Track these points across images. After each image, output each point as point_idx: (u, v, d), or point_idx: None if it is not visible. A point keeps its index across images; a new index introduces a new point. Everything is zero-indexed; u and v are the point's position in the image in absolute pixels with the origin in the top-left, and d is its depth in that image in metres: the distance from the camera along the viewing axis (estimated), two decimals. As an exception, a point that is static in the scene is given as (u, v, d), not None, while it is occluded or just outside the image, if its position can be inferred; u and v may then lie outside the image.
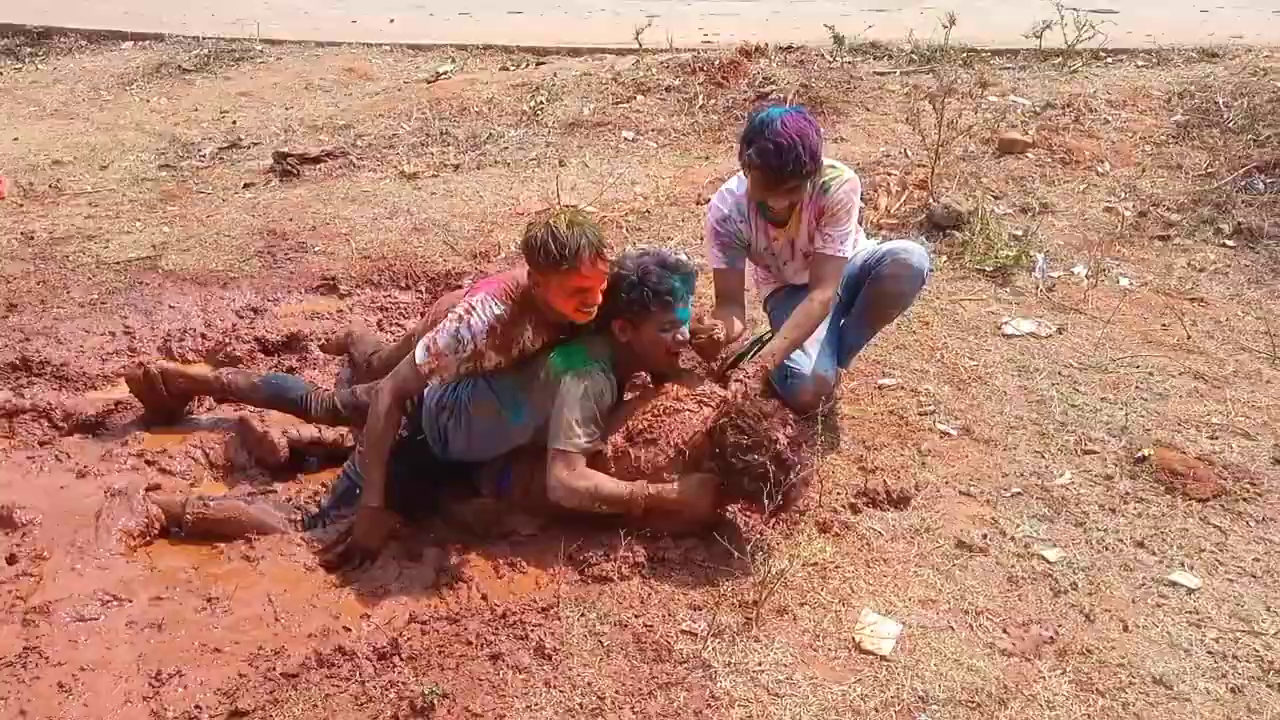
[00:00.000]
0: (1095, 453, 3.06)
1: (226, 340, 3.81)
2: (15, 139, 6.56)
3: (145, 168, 6.05)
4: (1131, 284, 4.27)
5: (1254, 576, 2.50)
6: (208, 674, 2.19)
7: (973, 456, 3.05)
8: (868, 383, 3.51)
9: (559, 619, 2.32)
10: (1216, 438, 3.13)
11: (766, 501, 2.36)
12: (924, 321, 3.96)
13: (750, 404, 2.48)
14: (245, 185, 5.68)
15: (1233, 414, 3.27)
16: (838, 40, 6.61)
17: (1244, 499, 2.81)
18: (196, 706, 2.09)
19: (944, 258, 4.55)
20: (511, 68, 7.51)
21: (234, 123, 6.83)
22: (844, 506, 2.78)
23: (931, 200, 4.89)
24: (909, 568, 2.54)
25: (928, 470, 2.98)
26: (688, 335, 2.74)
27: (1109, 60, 6.47)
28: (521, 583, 2.48)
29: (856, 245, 3.28)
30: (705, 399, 2.69)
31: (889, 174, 5.32)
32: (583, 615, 2.34)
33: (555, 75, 7.05)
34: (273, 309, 4.20)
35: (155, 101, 7.44)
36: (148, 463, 3.08)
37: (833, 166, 3.03)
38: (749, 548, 2.53)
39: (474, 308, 2.59)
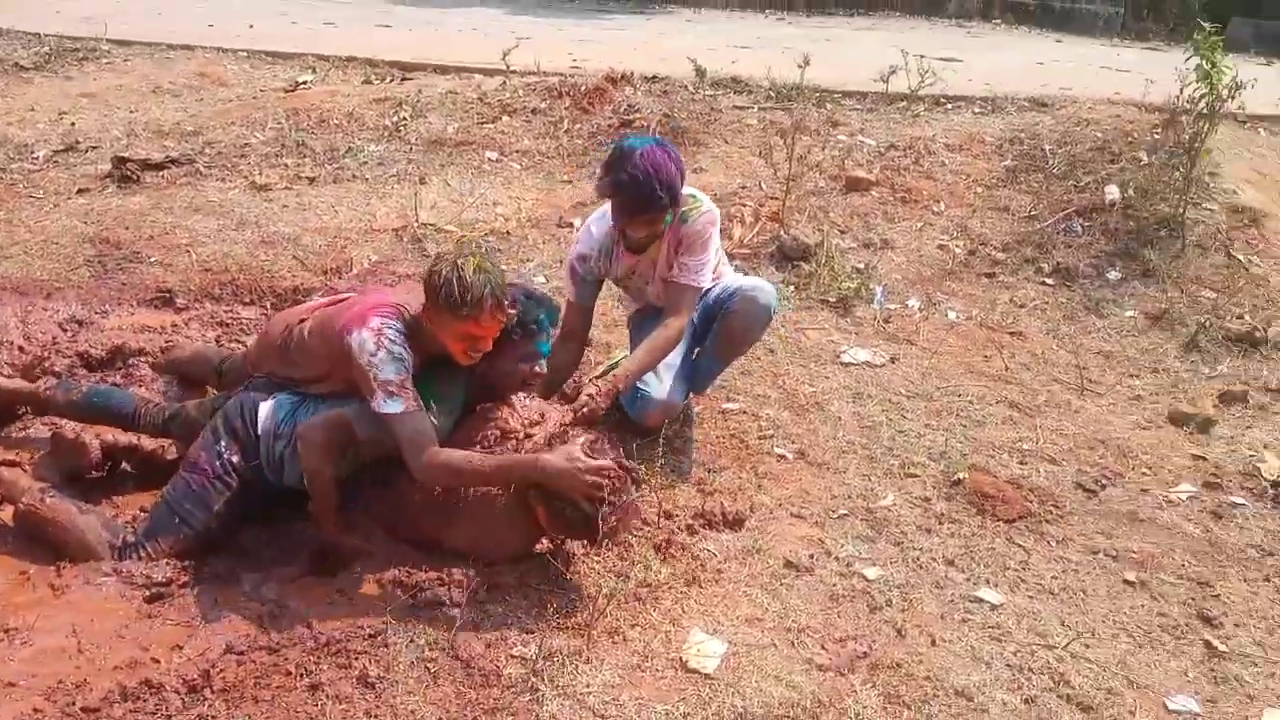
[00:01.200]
0: (917, 476, 3.24)
1: (45, 354, 3.59)
2: None
3: (-33, 168, 5.64)
4: (959, 317, 4.56)
5: (1052, 594, 2.70)
6: (0, 711, 2.04)
7: (806, 479, 3.18)
8: (713, 406, 3.61)
9: (386, 646, 2.28)
10: (1026, 463, 3.36)
11: (589, 534, 2.43)
12: (769, 349, 4.10)
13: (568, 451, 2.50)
14: (79, 191, 5.37)
15: (1042, 441, 3.52)
16: (700, 73, 6.81)
17: (1046, 520, 3.03)
18: (-18, 748, 1.96)
19: (791, 288, 4.73)
20: (375, 81, 7.39)
21: (73, 125, 6.45)
22: (682, 528, 2.85)
23: (782, 232, 5.09)
24: (739, 588, 2.62)
25: (763, 493, 3.08)
26: (544, 369, 2.76)
27: (949, 106, 6.89)
28: (348, 610, 2.42)
29: (721, 276, 3.39)
30: (535, 424, 2.71)
31: (744, 205, 5.50)
32: (411, 641, 2.31)
33: (420, 92, 6.97)
34: (100, 322, 3.98)
35: (-15, 99, 6.95)
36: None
37: (693, 197, 3.13)
38: (583, 571, 2.56)
39: (378, 329, 2.50)
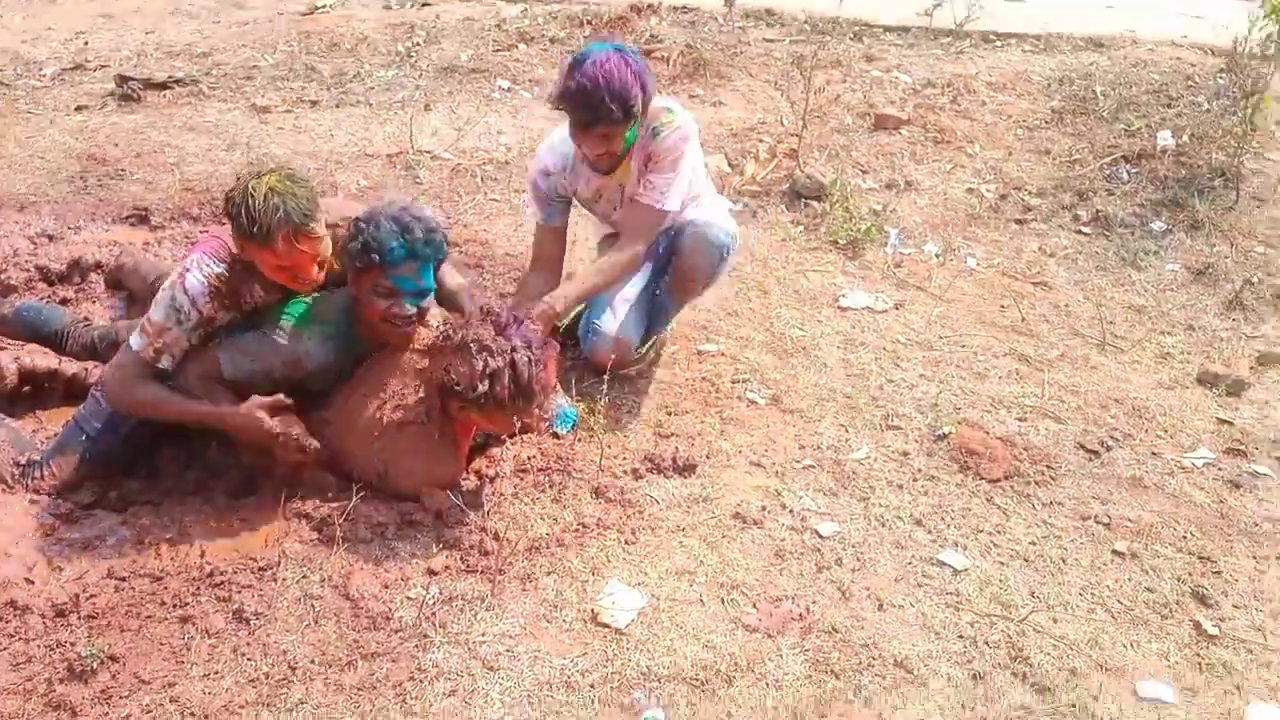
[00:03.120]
0: (899, 429, 2.96)
1: (3, 267, 3.47)
2: None
3: (-27, 83, 5.57)
4: (978, 264, 4.21)
5: (1025, 560, 2.43)
6: None
7: (774, 427, 2.93)
8: (688, 347, 3.36)
9: (275, 580, 2.12)
10: (1025, 419, 3.06)
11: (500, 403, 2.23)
12: (763, 290, 3.84)
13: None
14: (78, 108, 5.26)
15: (1047, 397, 3.21)
16: (728, 2, 6.42)
17: (1036, 481, 2.74)
18: None
19: (801, 228, 4.43)
20: (394, 6, 7.14)
21: (85, 44, 6.35)
22: (626, 472, 2.63)
23: (797, 170, 4.78)
24: (675, 537, 2.40)
25: (724, 438, 2.84)
26: (409, 312, 2.37)
27: (998, 43, 6.41)
28: (249, 541, 2.26)
29: (704, 208, 3.10)
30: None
31: (761, 141, 5.18)
32: (304, 577, 2.14)
33: (438, 18, 6.73)
34: (70, 237, 3.85)
35: (8, 18, 6.89)
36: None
37: (669, 110, 2.82)
38: (510, 512, 2.37)
39: (189, 269, 2.32)
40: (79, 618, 1.97)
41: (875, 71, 5.99)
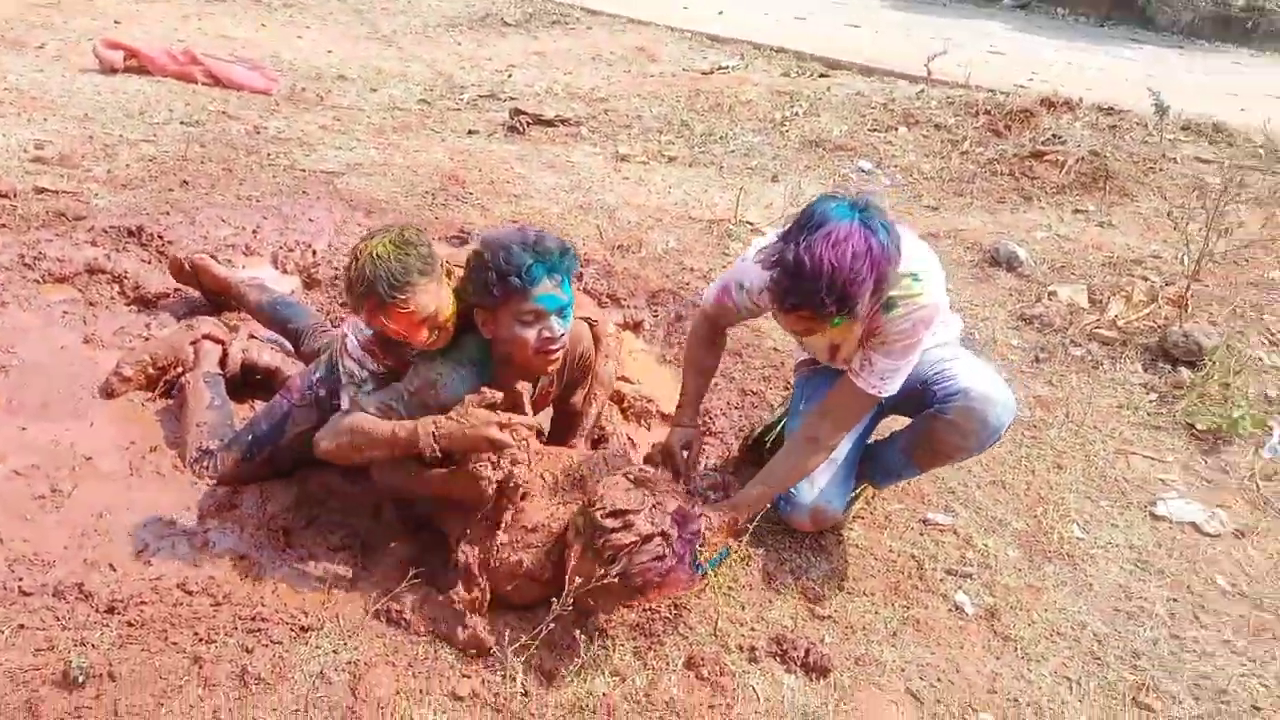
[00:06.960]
0: (1152, 711, 2.12)
1: (317, 263, 3.85)
2: (329, 52, 7.29)
3: (406, 98, 6.42)
4: (1403, 504, 2.99)
5: None
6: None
7: (970, 650, 2.24)
8: (916, 510, 2.74)
9: (305, 645, 1.98)
10: (1371, 768, 2.04)
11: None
12: (1058, 464, 3.06)
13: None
14: (470, 132, 5.82)
15: None
16: (1159, 110, 5.39)
17: None
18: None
19: (1152, 397, 3.51)
20: (794, 75, 7.05)
21: (509, 76, 7.06)
22: (741, 647, 2.15)
23: (1178, 322, 3.81)
24: (751, 760, 1.89)
25: (893, 645, 2.23)
26: (561, 333, 2.13)
27: None
28: (319, 591, 2.16)
29: (942, 358, 2.42)
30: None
31: (1143, 278, 4.24)
32: (333, 653, 1.98)
33: (829, 90, 6.50)
34: (397, 247, 4.20)
35: (464, 46, 7.92)
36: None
37: (914, 279, 2.15)
38: (577, 659, 2.03)
39: (345, 337, 2.28)
40: (119, 621, 1.99)
41: (1342, 217, 4.65)
